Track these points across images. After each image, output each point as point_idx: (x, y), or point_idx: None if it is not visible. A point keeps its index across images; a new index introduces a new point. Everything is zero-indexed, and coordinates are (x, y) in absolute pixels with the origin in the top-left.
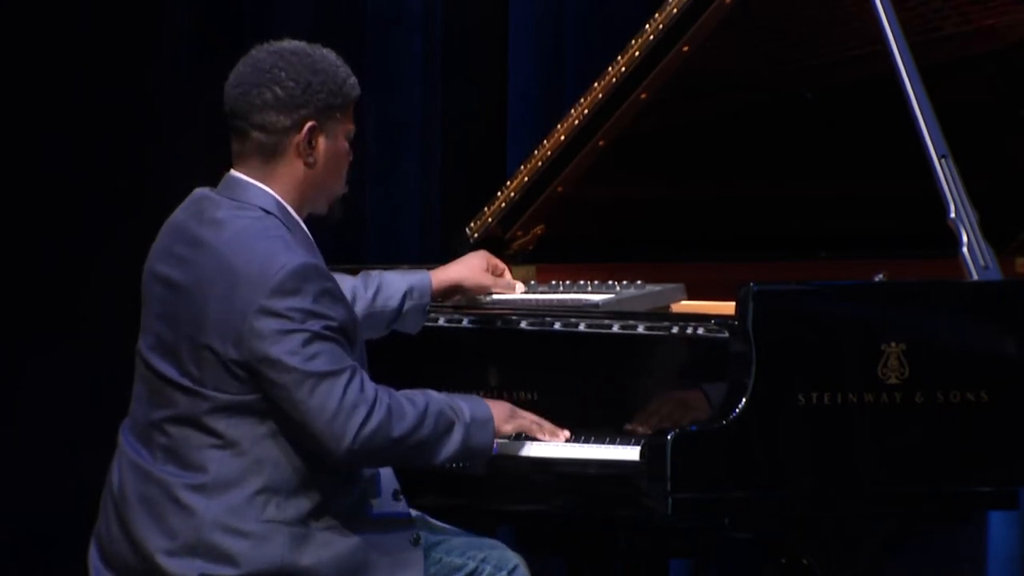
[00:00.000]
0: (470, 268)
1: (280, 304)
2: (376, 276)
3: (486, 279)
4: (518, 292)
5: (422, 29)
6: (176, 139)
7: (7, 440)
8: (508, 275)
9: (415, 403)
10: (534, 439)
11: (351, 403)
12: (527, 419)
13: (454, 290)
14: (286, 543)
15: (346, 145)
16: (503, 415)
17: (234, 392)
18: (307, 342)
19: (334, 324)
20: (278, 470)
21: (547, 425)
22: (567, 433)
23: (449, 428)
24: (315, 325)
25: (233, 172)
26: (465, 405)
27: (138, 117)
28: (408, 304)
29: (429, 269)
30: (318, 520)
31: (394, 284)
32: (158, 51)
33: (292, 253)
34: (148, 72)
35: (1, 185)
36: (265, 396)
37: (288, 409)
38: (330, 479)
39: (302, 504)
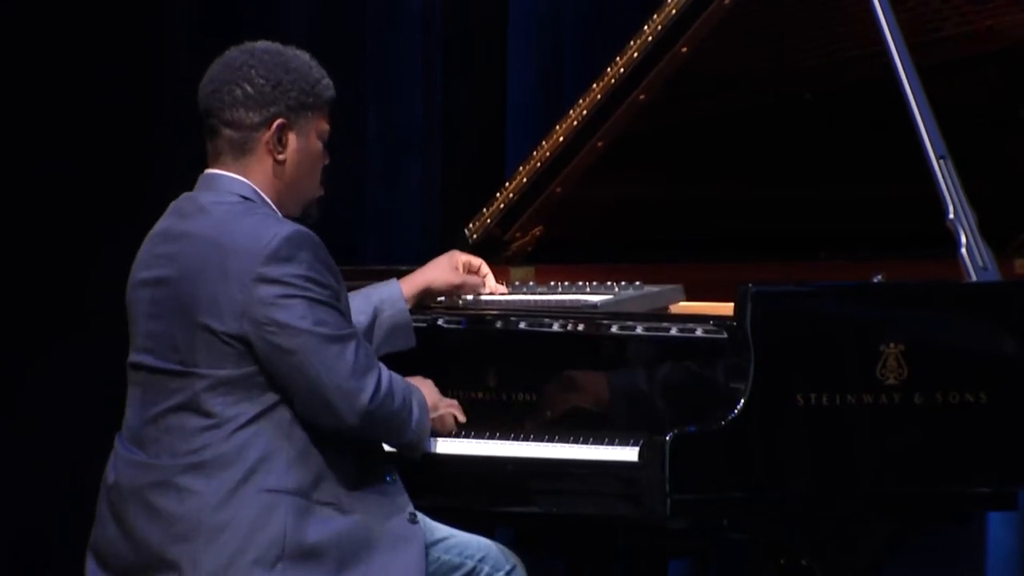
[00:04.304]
0: (439, 269)
1: (277, 271)
2: None
3: (455, 278)
4: (489, 289)
5: (422, 29)
6: (176, 141)
7: (7, 441)
8: (485, 270)
9: (396, 377)
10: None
11: (364, 366)
12: (446, 401)
13: (425, 294)
14: (289, 513)
15: (320, 146)
16: (434, 397)
17: (231, 367)
18: (312, 307)
19: (331, 291)
20: (277, 442)
21: (455, 403)
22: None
23: (410, 407)
24: (315, 291)
25: (208, 170)
26: (411, 385)
27: (138, 119)
28: (381, 317)
29: (400, 277)
30: (318, 492)
31: (360, 303)
32: (158, 52)
33: (282, 224)
34: (148, 74)
35: (1, 185)
36: (262, 369)
37: (297, 375)
38: (327, 450)
39: (303, 475)
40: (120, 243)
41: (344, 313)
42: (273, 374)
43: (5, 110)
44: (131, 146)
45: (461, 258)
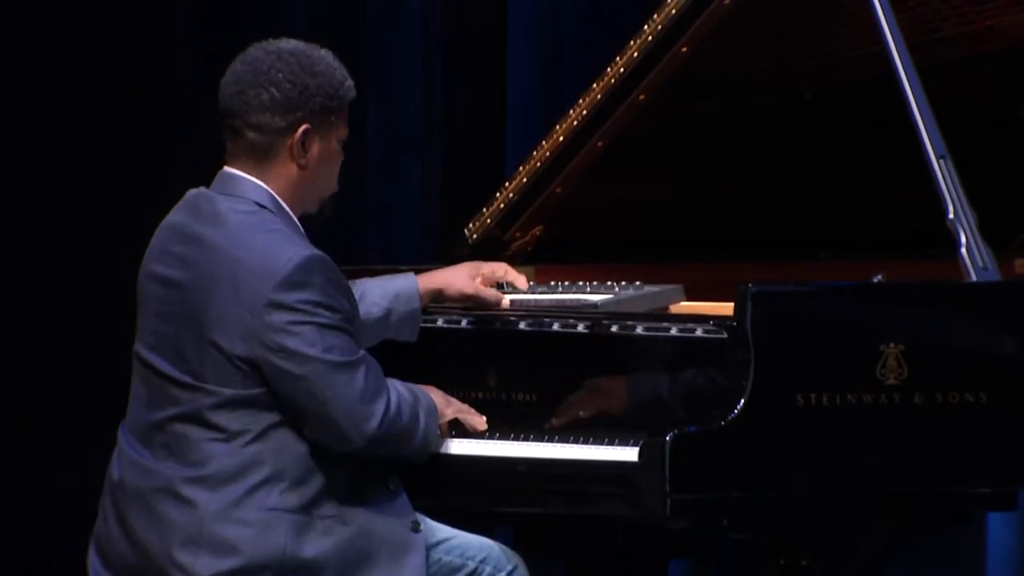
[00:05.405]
0: (456, 275)
1: (289, 297)
2: (359, 284)
3: (469, 288)
4: (504, 303)
5: (422, 30)
6: (176, 140)
7: (7, 441)
8: (511, 275)
9: (402, 392)
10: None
11: (372, 391)
12: (459, 405)
13: (437, 296)
14: (288, 531)
15: (338, 147)
16: (441, 401)
17: (237, 387)
18: (322, 333)
19: (343, 315)
20: (280, 460)
21: (473, 411)
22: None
23: (417, 418)
24: (326, 316)
25: (227, 169)
26: (418, 392)
27: (138, 118)
28: (395, 311)
29: (418, 273)
30: (319, 508)
31: (377, 291)
32: (158, 52)
33: (296, 246)
34: (148, 74)
35: (1, 185)
36: (270, 390)
37: (306, 400)
38: (330, 466)
39: (304, 492)
40: (120, 243)
41: (356, 335)
42: (282, 397)
43: (5, 110)
44: (131, 146)
45: (483, 268)
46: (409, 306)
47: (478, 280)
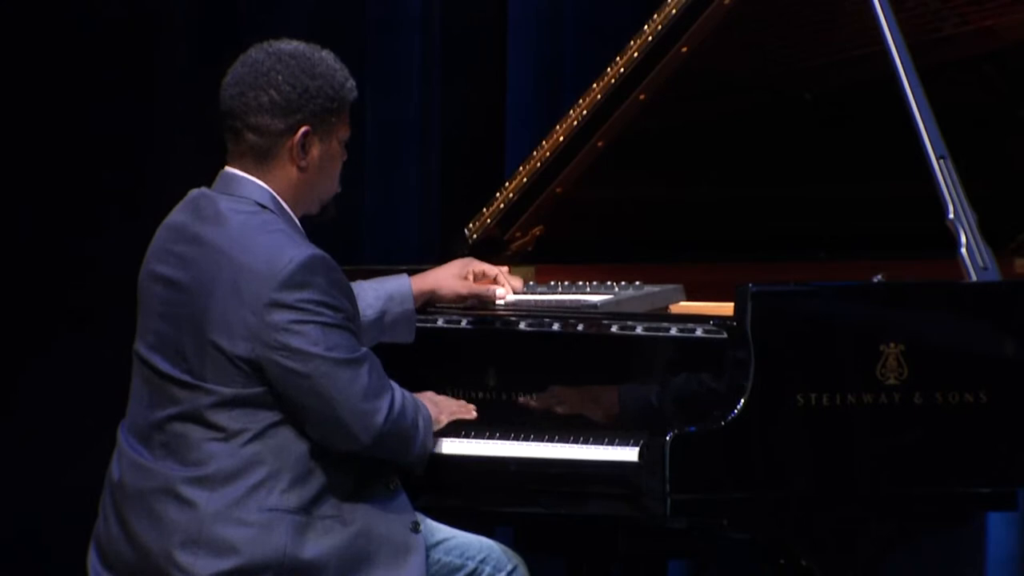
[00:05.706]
0: (447, 275)
1: (291, 297)
2: (353, 287)
3: (461, 287)
4: (499, 300)
5: (421, 30)
6: (176, 140)
7: (7, 440)
8: (502, 278)
9: (405, 392)
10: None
11: (376, 388)
12: (450, 407)
13: (431, 296)
14: (288, 532)
15: (340, 149)
16: (434, 410)
17: (238, 387)
18: (325, 332)
19: (344, 313)
20: (280, 460)
21: (467, 405)
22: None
23: (417, 424)
24: (329, 315)
25: (228, 169)
26: (417, 400)
27: (138, 118)
28: (389, 312)
29: (411, 274)
30: (319, 508)
31: (371, 293)
32: (157, 52)
33: (297, 247)
34: (147, 73)
35: (1, 185)
36: (271, 389)
37: (311, 398)
38: (330, 466)
39: (304, 492)
40: (120, 243)
41: (358, 334)
42: (286, 396)
43: (5, 110)
44: (131, 146)
45: (475, 267)
46: (404, 307)
47: (470, 278)
